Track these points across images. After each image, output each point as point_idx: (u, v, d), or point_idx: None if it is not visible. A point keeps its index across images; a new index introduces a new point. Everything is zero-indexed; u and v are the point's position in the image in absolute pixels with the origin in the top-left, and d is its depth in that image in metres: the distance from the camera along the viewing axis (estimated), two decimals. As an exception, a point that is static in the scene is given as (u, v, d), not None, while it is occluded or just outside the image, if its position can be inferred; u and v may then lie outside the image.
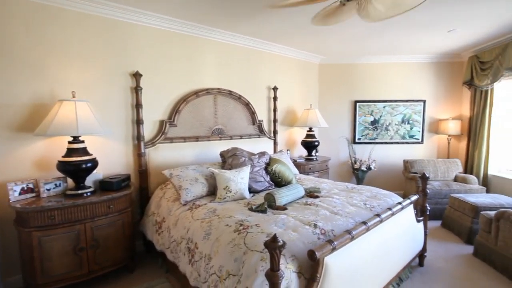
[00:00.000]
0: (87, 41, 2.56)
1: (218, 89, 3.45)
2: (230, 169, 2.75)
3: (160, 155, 2.99)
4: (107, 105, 2.70)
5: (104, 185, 2.44)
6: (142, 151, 2.87)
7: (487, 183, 4.16)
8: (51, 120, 2.14)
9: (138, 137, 2.84)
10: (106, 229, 2.32)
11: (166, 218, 2.44)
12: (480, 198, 3.26)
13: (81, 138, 2.31)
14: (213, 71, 3.49)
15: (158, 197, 2.74)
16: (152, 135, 3.01)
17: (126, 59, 2.79)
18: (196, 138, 3.27)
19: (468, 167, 4.42)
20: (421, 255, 2.66)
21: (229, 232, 1.81)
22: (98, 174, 2.52)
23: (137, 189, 2.93)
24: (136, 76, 2.79)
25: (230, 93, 3.56)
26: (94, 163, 2.33)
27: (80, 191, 2.27)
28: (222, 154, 2.98)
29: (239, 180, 2.53)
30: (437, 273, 2.56)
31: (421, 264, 2.67)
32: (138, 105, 2.81)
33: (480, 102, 4.21)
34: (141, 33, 2.87)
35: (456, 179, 4.19)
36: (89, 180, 2.42)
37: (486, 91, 4.11)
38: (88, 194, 2.29)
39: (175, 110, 3.09)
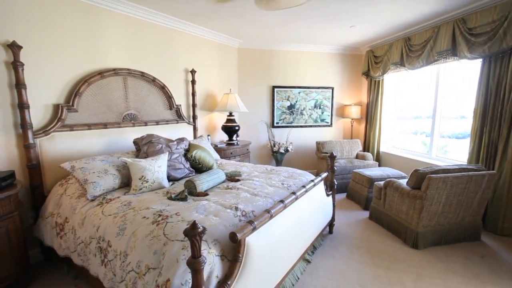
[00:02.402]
0: None
1: (128, 69, 3.08)
2: (145, 157, 2.53)
3: (57, 146, 2.53)
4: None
5: (-25, 186, 1.93)
6: (31, 141, 2.36)
7: (379, 159, 5.00)
8: None
9: (24, 125, 2.31)
10: (-17, 240, 1.87)
11: (70, 218, 2.12)
12: (374, 171, 3.88)
13: None
14: (121, 49, 3.08)
15: (57, 194, 2.34)
16: (44, 122, 2.51)
17: (-3, 25, 2.18)
18: (104, 125, 2.88)
19: (366, 146, 5.22)
20: (331, 224, 3.02)
21: (146, 224, 1.68)
22: (-36, 172, 1.97)
23: (27, 188, 2.43)
24: (13, 48, 2.22)
25: (142, 75, 3.22)
26: (-44, 159, 1.80)
27: None
28: (136, 142, 2.72)
29: (156, 168, 2.35)
30: (343, 237, 2.95)
31: (330, 231, 3.04)
32: (19, 85, 2.26)
33: (374, 90, 4.96)
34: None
35: (357, 157, 4.87)
36: (-49, 181, 1.88)
37: (379, 81, 4.85)
38: (-50, 199, 1.77)
39: (75, 92, 2.63)
